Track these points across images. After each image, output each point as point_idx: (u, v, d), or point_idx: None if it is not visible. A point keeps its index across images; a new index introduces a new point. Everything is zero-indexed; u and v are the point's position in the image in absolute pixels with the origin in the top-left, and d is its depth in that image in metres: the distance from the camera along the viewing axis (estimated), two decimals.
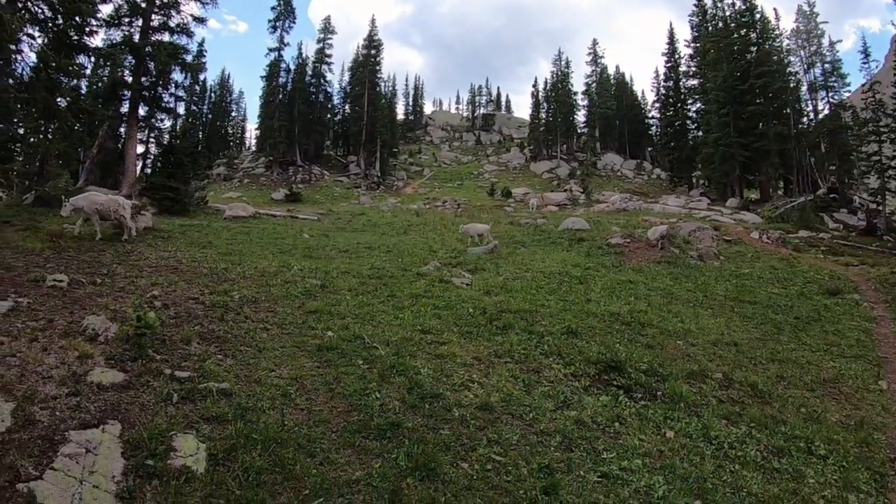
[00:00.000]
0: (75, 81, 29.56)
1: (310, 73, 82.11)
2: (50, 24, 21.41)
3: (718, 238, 28.83)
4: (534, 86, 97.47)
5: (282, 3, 73.91)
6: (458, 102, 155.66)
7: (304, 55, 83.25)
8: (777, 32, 58.54)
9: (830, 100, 54.95)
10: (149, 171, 44.02)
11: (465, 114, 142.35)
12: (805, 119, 57.67)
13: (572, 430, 7.74)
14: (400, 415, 7.55)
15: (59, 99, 24.01)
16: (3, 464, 5.51)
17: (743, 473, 7.13)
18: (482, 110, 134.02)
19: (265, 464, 6.00)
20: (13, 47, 18.69)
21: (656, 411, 8.79)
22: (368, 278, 16.38)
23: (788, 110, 55.42)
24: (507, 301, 14.52)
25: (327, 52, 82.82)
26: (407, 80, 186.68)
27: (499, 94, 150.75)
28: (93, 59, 32.08)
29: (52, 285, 11.99)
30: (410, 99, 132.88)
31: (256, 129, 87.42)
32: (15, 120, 23.02)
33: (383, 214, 43.18)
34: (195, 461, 5.91)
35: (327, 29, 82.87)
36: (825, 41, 56.63)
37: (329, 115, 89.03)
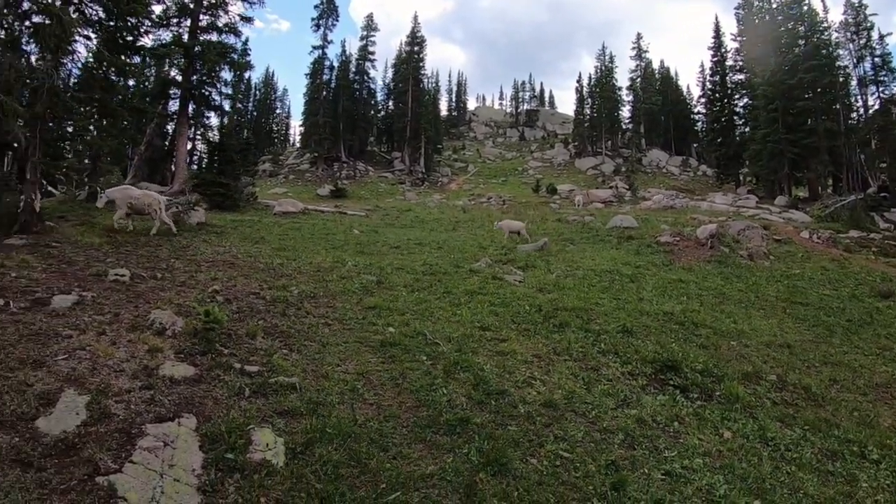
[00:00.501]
0: (124, 81, 30.14)
1: (353, 70, 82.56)
2: (104, 25, 21.79)
3: (768, 237, 28.36)
4: (578, 81, 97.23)
5: (325, 1, 74.38)
6: (501, 98, 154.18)
7: (347, 52, 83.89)
8: (825, 25, 56.89)
9: (881, 95, 53.37)
10: (195, 167, 44.69)
11: (508, 110, 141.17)
12: (855, 115, 56.07)
13: (634, 429, 7.76)
14: (467, 410, 7.62)
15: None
16: (81, 457, 5.58)
17: (799, 475, 7.13)
18: (526, 106, 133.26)
19: (341, 458, 6.10)
20: (68, 47, 19.05)
21: (713, 412, 8.79)
22: (422, 274, 16.50)
23: (838, 106, 54.17)
24: (560, 299, 14.48)
25: (370, 49, 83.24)
26: (450, 75, 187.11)
27: (542, 90, 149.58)
28: (148, 59, 32.80)
29: (115, 279, 12.24)
30: (454, 95, 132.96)
31: (301, 125, 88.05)
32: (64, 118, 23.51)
33: (430, 211, 43.33)
34: (274, 455, 5.99)
35: (370, 26, 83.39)
36: (875, 34, 55.06)
37: (373, 112, 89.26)
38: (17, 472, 5.22)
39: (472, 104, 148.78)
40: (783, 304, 17.54)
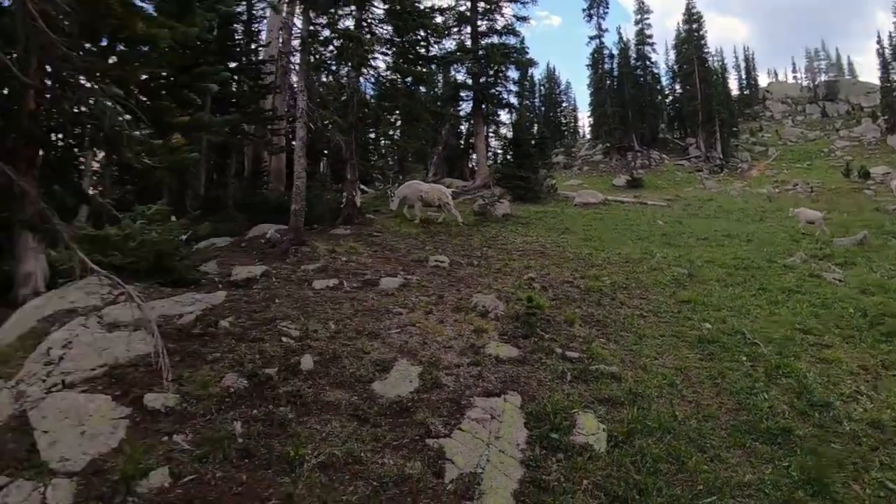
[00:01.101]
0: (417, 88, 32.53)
1: (633, 56, 79.88)
2: (394, 42, 23.65)
3: None
4: (878, 41, 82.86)
5: None
6: (794, 71, 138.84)
7: (624, 39, 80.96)
8: None
9: None
10: (490, 162, 46.63)
11: (803, 83, 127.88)
12: None
13: None
14: (790, 420, 7.27)
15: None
16: (413, 419, 6.42)
17: None
18: (823, 77, 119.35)
19: (660, 452, 6.21)
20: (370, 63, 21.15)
21: None
22: (734, 269, 15.66)
23: None
24: (887, 302, 12.77)
25: (647, 32, 79.71)
26: (735, 51, 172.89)
27: (839, 57, 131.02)
28: (435, 66, 35.10)
29: (435, 265, 13.60)
30: (742, 72, 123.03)
31: (589, 116, 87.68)
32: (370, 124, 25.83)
33: (733, 200, 41.33)
34: (596, 440, 6.31)
35: (642, 9, 79.67)
36: None
37: (660, 97, 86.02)
38: (355, 425, 6.16)
39: (763, 80, 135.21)
40: None
